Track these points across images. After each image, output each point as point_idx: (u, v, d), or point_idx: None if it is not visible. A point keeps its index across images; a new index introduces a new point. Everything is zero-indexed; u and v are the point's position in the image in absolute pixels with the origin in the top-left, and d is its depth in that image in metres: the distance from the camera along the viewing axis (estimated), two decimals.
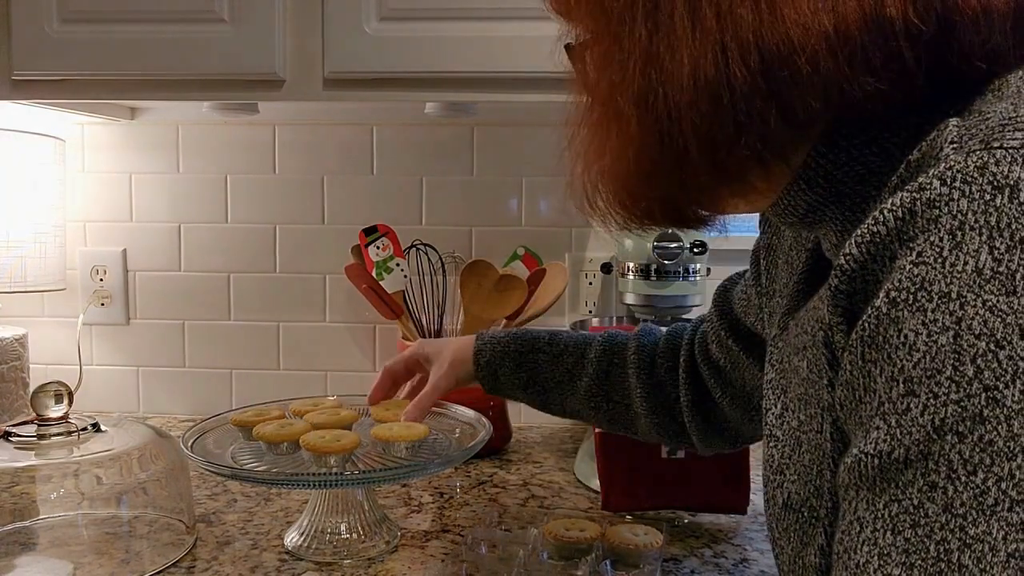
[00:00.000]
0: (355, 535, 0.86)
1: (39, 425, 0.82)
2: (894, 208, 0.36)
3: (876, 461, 0.35)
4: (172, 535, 0.87)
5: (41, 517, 0.87)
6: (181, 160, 1.39)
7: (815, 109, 0.41)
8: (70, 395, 0.84)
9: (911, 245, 0.35)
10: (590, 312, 1.37)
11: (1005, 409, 0.32)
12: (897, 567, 0.34)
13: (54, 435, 0.82)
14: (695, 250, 1.14)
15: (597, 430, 0.93)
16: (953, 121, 0.39)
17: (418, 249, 1.29)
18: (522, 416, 1.39)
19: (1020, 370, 0.32)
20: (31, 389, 0.98)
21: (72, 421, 0.83)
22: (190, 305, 1.41)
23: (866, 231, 0.37)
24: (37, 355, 1.39)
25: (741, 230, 1.36)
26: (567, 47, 0.53)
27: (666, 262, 1.15)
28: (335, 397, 1.03)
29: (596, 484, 1.02)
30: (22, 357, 1.27)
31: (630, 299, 1.21)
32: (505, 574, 0.78)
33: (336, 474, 0.82)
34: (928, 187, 0.35)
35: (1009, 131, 0.35)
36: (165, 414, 1.41)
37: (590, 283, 1.37)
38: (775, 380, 0.55)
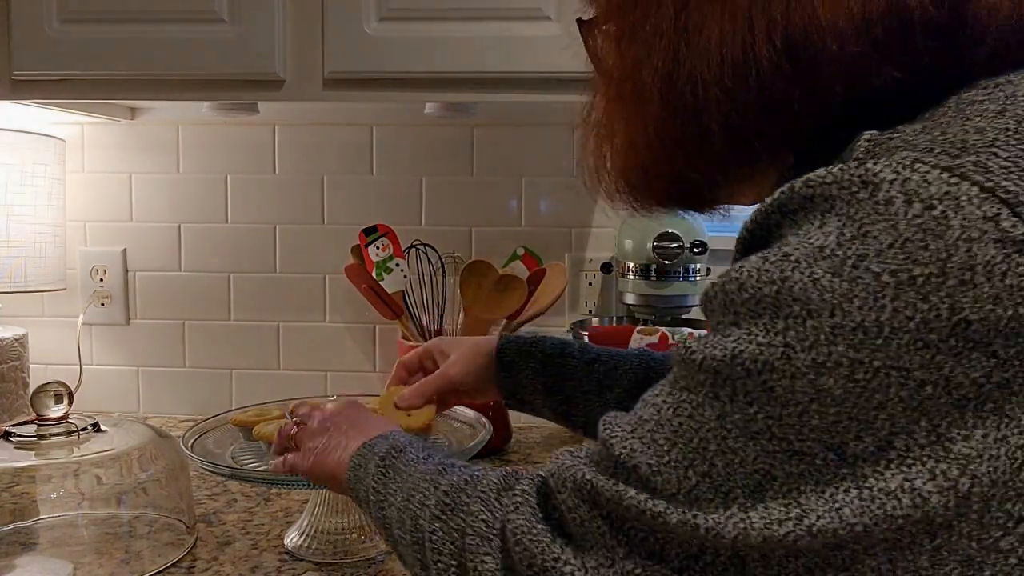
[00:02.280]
0: (355, 535, 0.86)
1: (39, 425, 0.82)
2: (785, 189, 0.40)
3: (683, 351, 0.42)
4: (172, 535, 0.87)
5: (41, 517, 0.87)
6: (181, 160, 1.39)
7: (837, 94, 0.42)
8: (70, 395, 0.84)
9: (793, 218, 0.40)
10: (590, 312, 1.37)
11: (792, 368, 0.36)
12: (664, 441, 0.41)
13: (54, 435, 0.82)
14: (695, 250, 1.14)
15: None
16: (866, 135, 0.41)
17: (418, 249, 1.29)
18: (522, 416, 1.39)
19: (819, 342, 0.36)
20: (31, 389, 0.99)
21: (72, 421, 0.83)
22: (190, 305, 1.41)
23: (763, 205, 0.42)
24: (37, 355, 1.39)
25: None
26: (580, 21, 0.53)
27: (666, 262, 1.15)
28: (335, 397, 1.03)
29: None
30: (22, 357, 1.27)
31: (630, 299, 1.21)
32: None
33: None
34: (816, 176, 0.39)
35: (905, 150, 0.37)
36: (165, 414, 1.41)
37: (590, 283, 1.37)
38: None
